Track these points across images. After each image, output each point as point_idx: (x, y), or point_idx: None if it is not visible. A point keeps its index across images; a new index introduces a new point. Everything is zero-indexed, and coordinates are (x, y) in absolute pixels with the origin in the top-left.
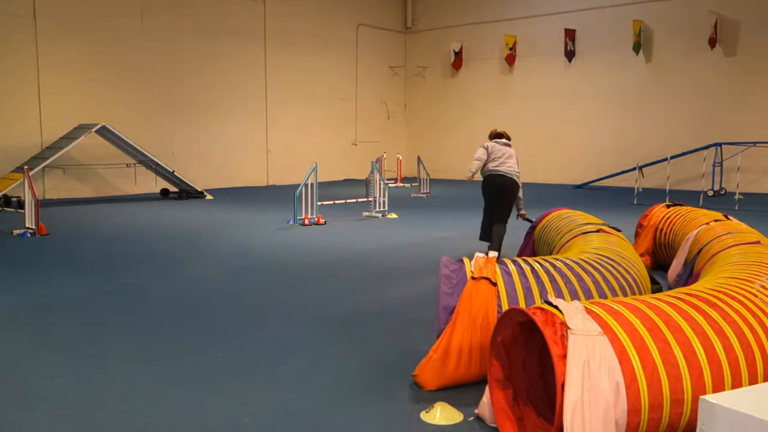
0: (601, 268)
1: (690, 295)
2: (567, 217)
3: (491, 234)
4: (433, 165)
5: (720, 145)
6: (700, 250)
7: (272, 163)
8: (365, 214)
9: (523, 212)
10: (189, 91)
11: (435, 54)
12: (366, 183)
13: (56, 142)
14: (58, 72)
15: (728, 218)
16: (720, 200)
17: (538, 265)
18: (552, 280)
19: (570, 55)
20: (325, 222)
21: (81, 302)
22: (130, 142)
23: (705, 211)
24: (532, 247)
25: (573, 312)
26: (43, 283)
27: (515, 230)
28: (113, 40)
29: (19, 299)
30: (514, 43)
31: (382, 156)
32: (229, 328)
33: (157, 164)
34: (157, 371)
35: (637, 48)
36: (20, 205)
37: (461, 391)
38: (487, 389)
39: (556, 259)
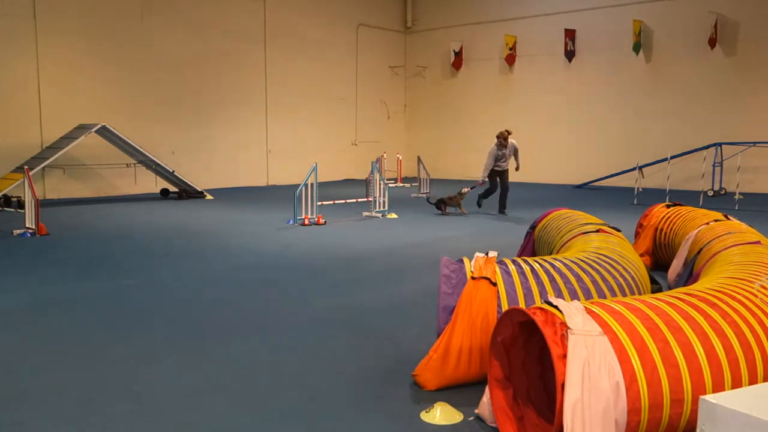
0: (600, 268)
1: (690, 295)
2: (567, 217)
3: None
4: (433, 165)
5: (720, 145)
6: (700, 250)
7: (272, 163)
8: (365, 214)
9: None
10: (189, 91)
11: (435, 54)
12: (366, 183)
13: (56, 142)
14: (58, 72)
15: (728, 218)
16: (720, 200)
17: (538, 265)
18: (551, 280)
19: (570, 55)
20: (325, 222)
21: (81, 302)
22: (130, 142)
23: (705, 211)
24: (532, 247)
25: (573, 312)
26: (43, 283)
27: (515, 230)
28: (113, 40)
29: (19, 299)
30: (514, 43)
31: (382, 156)
32: (229, 328)
33: (157, 164)
34: (157, 371)
35: (637, 48)
36: (20, 205)
37: (461, 391)
38: (487, 389)
39: (556, 259)
